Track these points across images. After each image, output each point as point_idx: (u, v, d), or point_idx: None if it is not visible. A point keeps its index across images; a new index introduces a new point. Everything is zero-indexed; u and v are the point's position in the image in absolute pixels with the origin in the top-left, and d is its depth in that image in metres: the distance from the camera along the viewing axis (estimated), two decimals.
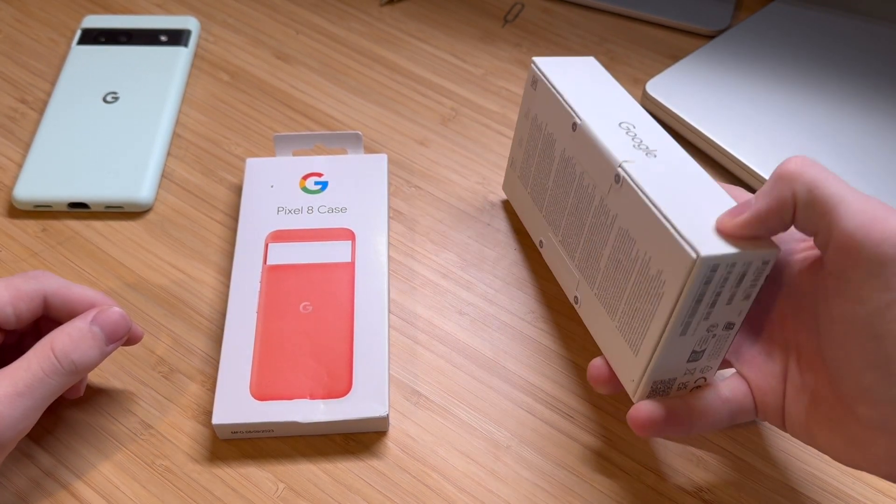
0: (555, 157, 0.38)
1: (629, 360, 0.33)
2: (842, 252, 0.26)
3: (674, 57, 0.52)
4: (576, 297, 0.37)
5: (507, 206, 0.45)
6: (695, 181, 0.32)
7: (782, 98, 0.48)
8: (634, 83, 0.51)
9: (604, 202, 0.34)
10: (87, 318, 0.33)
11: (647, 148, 0.34)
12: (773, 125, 0.47)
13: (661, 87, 0.49)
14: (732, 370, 0.33)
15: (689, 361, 0.32)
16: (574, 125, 0.36)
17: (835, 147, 0.46)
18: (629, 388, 0.33)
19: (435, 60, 0.52)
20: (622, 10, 0.55)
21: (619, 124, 0.35)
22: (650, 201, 0.31)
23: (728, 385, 0.33)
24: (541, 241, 0.40)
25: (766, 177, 0.44)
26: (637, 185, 0.32)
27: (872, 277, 0.25)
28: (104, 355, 0.33)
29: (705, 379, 0.33)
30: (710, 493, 0.35)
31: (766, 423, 0.36)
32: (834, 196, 0.26)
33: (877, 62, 0.50)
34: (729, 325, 0.31)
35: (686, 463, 0.36)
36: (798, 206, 0.27)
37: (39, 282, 0.34)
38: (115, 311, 0.33)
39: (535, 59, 0.39)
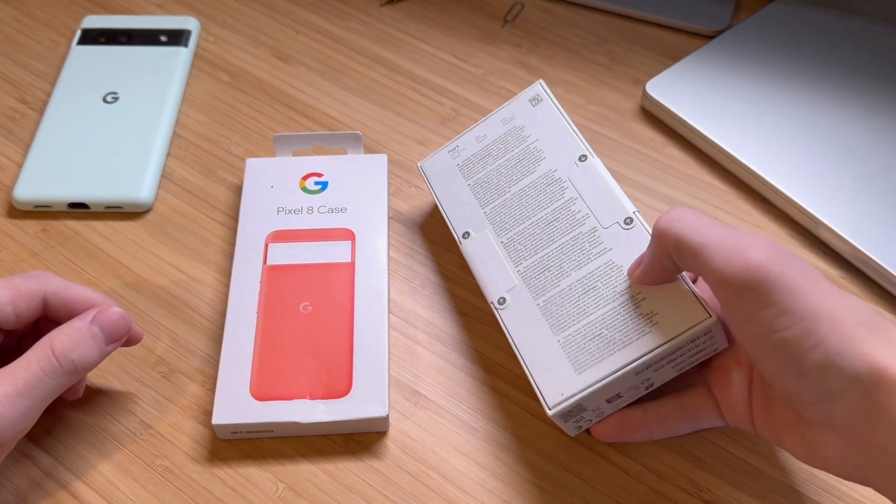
0: (536, 171, 0.39)
1: (564, 376, 0.33)
2: (720, 286, 0.29)
3: (674, 57, 0.52)
4: (503, 298, 0.37)
5: None
6: None
7: (782, 98, 0.48)
8: (634, 83, 0.51)
9: (597, 233, 0.36)
10: (87, 319, 0.33)
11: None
12: (773, 125, 0.47)
13: (661, 87, 0.49)
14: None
15: (607, 401, 0.34)
16: (583, 157, 0.39)
17: (835, 147, 0.46)
18: (552, 399, 0.33)
19: (435, 60, 0.52)
20: (622, 10, 0.55)
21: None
22: None
23: (691, 395, 0.35)
24: (466, 233, 0.40)
25: (766, 177, 0.44)
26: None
27: (750, 301, 0.28)
28: (104, 355, 0.33)
29: (591, 422, 0.35)
30: (709, 493, 0.35)
31: None
32: (697, 244, 0.30)
33: (877, 62, 0.50)
34: (650, 386, 0.34)
35: (686, 463, 0.36)
36: (674, 258, 0.31)
37: (39, 282, 0.34)
38: (114, 311, 0.33)
39: (543, 82, 0.42)
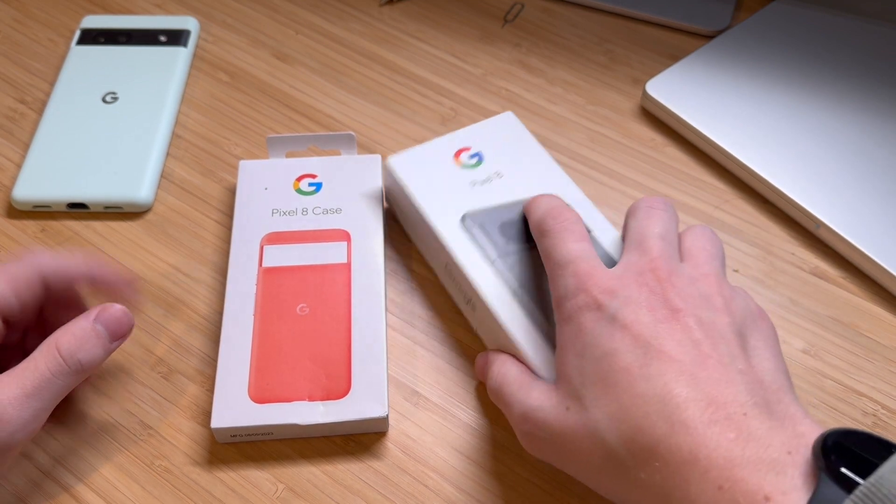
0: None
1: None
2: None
3: (674, 57, 0.52)
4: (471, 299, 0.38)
5: None
6: None
7: (782, 98, 0.48)
8: (634, 83, 0.51)
9: None
10: (91, 317, 0.33)
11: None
12: (773, 125, 0.47)
13: (661, 87, 0.49)
14: None
15: None
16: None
17: (835, 147, 0.46)
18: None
19: (434, 60, 0.52)
20: (622, 10, 0.55)
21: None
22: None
23: None
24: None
25: (766, 177, 0.44)
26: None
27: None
28: (108, 353, 0.33)
29: None
30: None
31: None
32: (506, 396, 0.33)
33: (877, 62, 0.50)
34: None
35: None
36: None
37: (34, 265, 0.33)
38: (117, 309, 0.33)
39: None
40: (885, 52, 0.51)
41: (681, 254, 0.33)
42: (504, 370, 0.34)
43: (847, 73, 0.49)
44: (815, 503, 0.23)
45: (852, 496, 0.22)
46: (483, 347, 0.39)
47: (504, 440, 0.36)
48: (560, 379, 0.31)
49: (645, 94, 0.49)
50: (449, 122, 0.49)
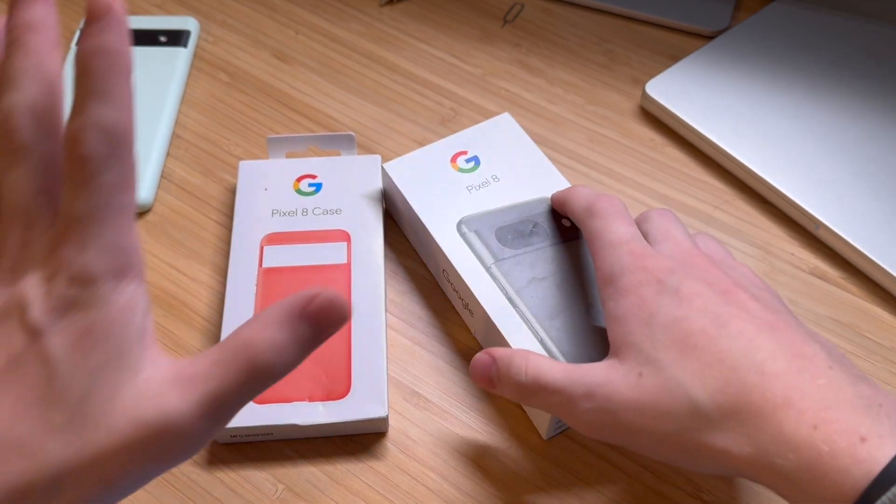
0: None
1: None
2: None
3: (674, 57, 0.52)
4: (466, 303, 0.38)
5: None
6: None
7: (782, 98, 0.48)
8: (634, 83, 0.51)
9: None
10: (298, 309, 0.24)
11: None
12: (773, 125, 0.47)
13: (661, 87, 0.49)
14: None
15: None
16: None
17: (835, 147, 0.46)
18: None
19: (434, 61, 0.52)
20: (622, 10, 0.55)
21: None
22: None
23: None
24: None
25: (766, 177, 0.44)
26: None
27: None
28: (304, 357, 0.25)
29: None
30: (709, 493, 0.35)
31: None
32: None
33: (877, 62, 0.50)
34: None
35: None
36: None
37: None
38: (332, 301, 0.24)
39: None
40: (885, 52, 0.51)
41: None
42: (532, 362, 0.32)
43: (847, 74, 0.49)
44: None
45: None
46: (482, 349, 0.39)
47: (503, 440, 0.36)
48: (624, 349, 0.30)
49: (645, 95, 0.49)
50: (449, 123, 0.49)
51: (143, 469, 0.23)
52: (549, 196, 0.40)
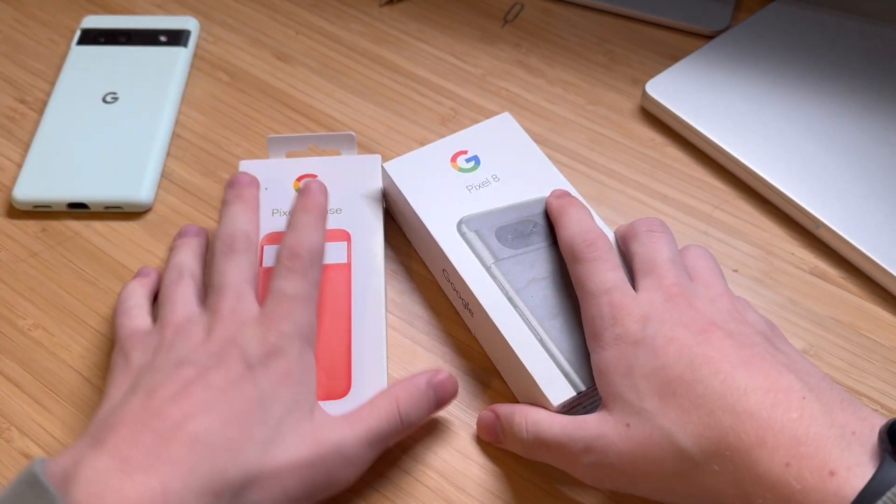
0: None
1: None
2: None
3: (674, 57, 0.52)
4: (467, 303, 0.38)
5: None
6: None
7: (782, 98, 0.48)
8: (634, 83, 0.51)
9: None
10: (425, 379, 0.34)
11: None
12: (773, 125, 0.47)
13: (661, 87, 0.49)
14: None
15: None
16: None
17: (835, 147, 0.46)
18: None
19: (434, 61, 0.52)
20: (622, 10, 0.55)
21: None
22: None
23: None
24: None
25: (766, 177, 0.44)
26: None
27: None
28: (429, 416, 0.35)
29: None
30: None
31: None
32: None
33: (877, 62, 0.50)
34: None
35: None
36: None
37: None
38: (447, 376, 0.35)
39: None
40: (885, 52, 0.51)
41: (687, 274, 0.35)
42: (532, 418, 0.34)
43: (847, 73, 0.49)
44: (877, 480, 0.24)
45: None
46: (481, 351, 0.39)
47: None
48: (611, 401, 0.31)
49: (645, 95, 0.49)
50: (449, 123, 0.49)
51: (315, 481, 0.31)
52: (547, 198, 0.39)
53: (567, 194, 0.39)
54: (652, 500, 0.31)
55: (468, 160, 0.41)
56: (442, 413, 0.37)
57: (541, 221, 0.39)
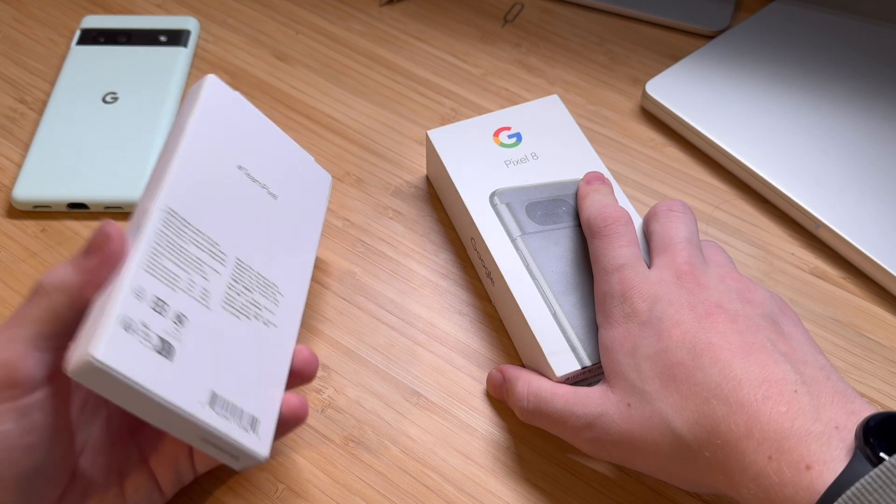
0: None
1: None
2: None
3: (674, 57, 0.52)
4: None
5: None
6: None
7: (782, 98, 0.48)
8: (634, 83, 0.51)
9: None
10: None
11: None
12: (773, 125, 0.47)
13: (661, 87, 0.49)
14: None
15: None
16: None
17: (835, 147, 0.46)
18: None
19: (435, 61, 0.52)
20: (622, 10, 0.55)
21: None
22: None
23: None
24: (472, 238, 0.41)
25: (766, 177, 0.44)
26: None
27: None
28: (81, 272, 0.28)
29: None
30: (710, 493, 0.35)
31: None
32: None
33: (877, 62, 0.50)
34: None
35: None
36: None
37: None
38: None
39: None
40: (885, 52, 0.51)
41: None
42: (534, 388, 0.34)
43: (847, 73, 0.49)
44: (844, 476, 0.24)
45: (877, 469, 0.24)
46: (486, 343, 0.39)
47: (503, 440, 0.36)
48: (613, 378, 0.32)
49: (645, 95, 0.49)
50: (449, 122, 0.49)
51: None
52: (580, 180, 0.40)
53: (599, 179, 0.39)
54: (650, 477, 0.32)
55: (510, 136, 0.42)
56: (442, 413, 0.37)
57: (571, 202, 0.40)
